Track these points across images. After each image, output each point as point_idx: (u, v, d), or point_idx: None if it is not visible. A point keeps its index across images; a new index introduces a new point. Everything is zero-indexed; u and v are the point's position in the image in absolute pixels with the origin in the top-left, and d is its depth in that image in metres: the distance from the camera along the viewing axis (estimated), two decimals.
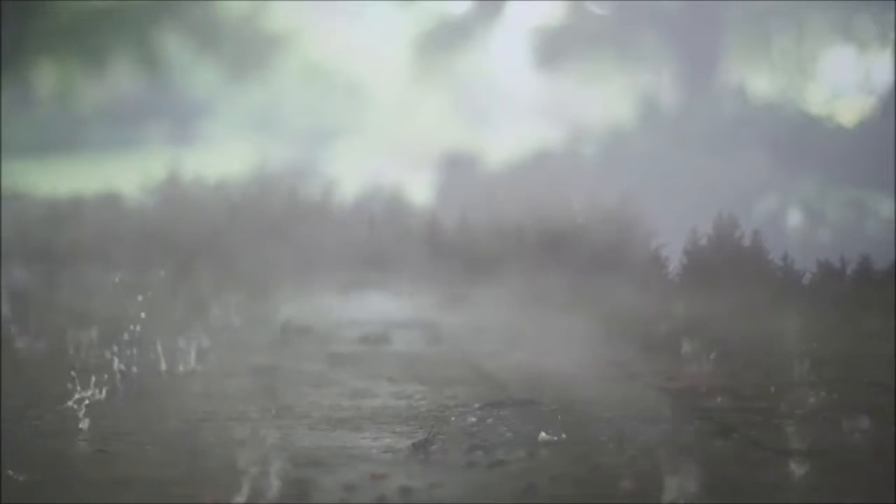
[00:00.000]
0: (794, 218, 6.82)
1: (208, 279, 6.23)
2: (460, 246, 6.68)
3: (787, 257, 5.83)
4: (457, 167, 7.36)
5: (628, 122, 7.31)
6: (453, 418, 3.98)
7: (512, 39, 7.71)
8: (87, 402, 3.80)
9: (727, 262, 5.90)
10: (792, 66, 7.39)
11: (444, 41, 7.67)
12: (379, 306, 6.38)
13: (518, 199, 6.82)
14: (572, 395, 4.33)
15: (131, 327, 4.63)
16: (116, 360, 4.41)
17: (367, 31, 7.74)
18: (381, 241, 6.86)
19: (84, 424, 3.76)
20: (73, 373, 3.85)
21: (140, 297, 4.73)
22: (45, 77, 7.59)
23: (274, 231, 6.84)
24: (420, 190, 7.26)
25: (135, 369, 4.54)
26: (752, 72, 7.41)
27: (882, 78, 7.15)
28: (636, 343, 5.26)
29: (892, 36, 7.16)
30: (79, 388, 3.82)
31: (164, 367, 4.72)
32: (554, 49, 7.68)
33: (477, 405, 4.14)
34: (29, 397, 4.19)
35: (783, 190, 6.85)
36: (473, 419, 3.97)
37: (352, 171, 7.35)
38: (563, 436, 3.64)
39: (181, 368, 4.74)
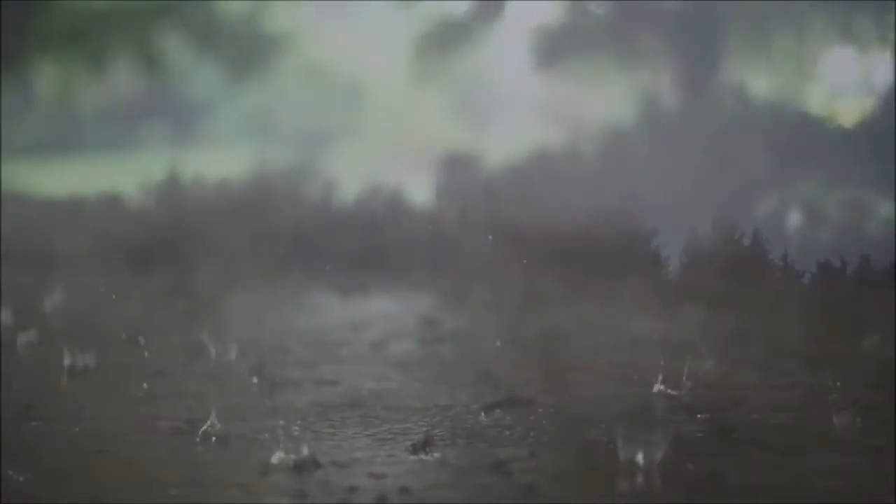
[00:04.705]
0: (794, 218, 6.81)
1: (208, 279, 6.23)
2: (460, 246, 6.68)
3: (787, 257, 5.83)
4: (457, 167, 7.35)
5: (628, 122, 7.30)
6: (453, 418, 3.98)
7: (512, 39, 7.71)
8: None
9: (727, 262, 5.90)
10: (792, 66, 7.39)
11: (444, 41, 7.66)
12: (379, 306, 6.38)
13: (518, 199, 6.82)
14: (572, 395, 4.33)
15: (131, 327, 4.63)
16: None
17: (367, 31, 7.73)
18: (381, 241, 6.86)
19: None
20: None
21: (141, 298, 4.73)
22: (45, 77, 7.59)
23: (274, 231, 6.84)
24: (420, 190, 7.25)
25: (133, 368, 4.55)
26: (752, 72, 7.40)
27: (882, 78, 7.14)
28: (636, 342, 5.26)
29: (892, 36, 7.15)
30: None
31: (161, 366, 4.72)
32: (554, 49, 7.67)
33: (477, 405, 4.14)
34: (29, 397, 4.19)
35: (783, 190, 6.85)
36: (473, 419, 3.97)
37: (352, 171, 7.34)
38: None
39: (180, 369, 4.74)
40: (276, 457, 3.43)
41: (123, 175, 7.26)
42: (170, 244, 6.59)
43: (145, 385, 4.41)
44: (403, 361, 5.02)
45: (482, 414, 4.03)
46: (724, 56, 7.45)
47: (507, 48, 7.74)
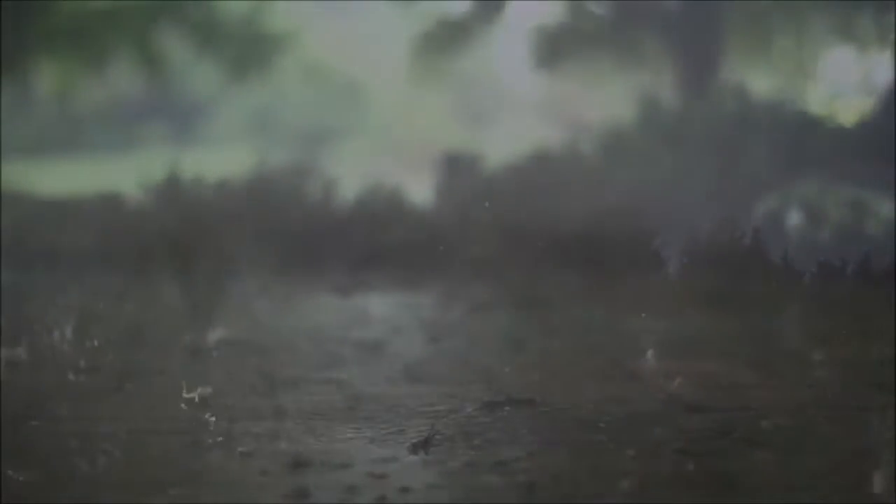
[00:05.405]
0: (794, 218, 6.81)
1: (208, 279, 6.23)
2: (460, 246, 6.67)
3: (787, 257, 5.83)
4: (457, 167, 7.35)
5: (628, 122, 7.30)
6: (453, 418, 3.98)
7: (512, 39, 7.71)
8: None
9: (727, 262, 5.90)
10: (792, 66, 7.38)
11: (444, 41, 7.66)
12: (379, 306, 6.38)
13: (518, 199, 6.82)
14: (572, 395, 4.33)
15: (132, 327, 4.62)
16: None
17: (367, 31, 7.73)
18: (381, 241, 6.86)
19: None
20: None
21: (140, 297, 4.73)
22: (45, 77, 7.58)
23: (274, 231, 6.83)
24: (420, 190, 7.25)
25: (134, 368, 4.55)
26: (752, 72, 7.40)
27: (882, 78, 7.14)
28: (636, 342, 5.26)
29: (892, 36, 7.15)
30: None
31: (161, 366, 4.72)
32: (554, 49, 7.67)
33: (477, 405, 4.14)
34: (29, 397, 4.19)
35: (783, 190, 6.85)
36: (473, 419, 3.97)
37: (352, 171, 7.34)
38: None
39: (180, 369, 4.74)
40: (276, 456, 3.43)
41: (123, 175, 7.26)
42: (170, 244, 6.59)
43: (145, 385, 4.41)
44: (404, 361, 5.01)
45: (482, 414, 4.03)
46: (724, 56, 7.45)
47: (507, 48, 7.74)
